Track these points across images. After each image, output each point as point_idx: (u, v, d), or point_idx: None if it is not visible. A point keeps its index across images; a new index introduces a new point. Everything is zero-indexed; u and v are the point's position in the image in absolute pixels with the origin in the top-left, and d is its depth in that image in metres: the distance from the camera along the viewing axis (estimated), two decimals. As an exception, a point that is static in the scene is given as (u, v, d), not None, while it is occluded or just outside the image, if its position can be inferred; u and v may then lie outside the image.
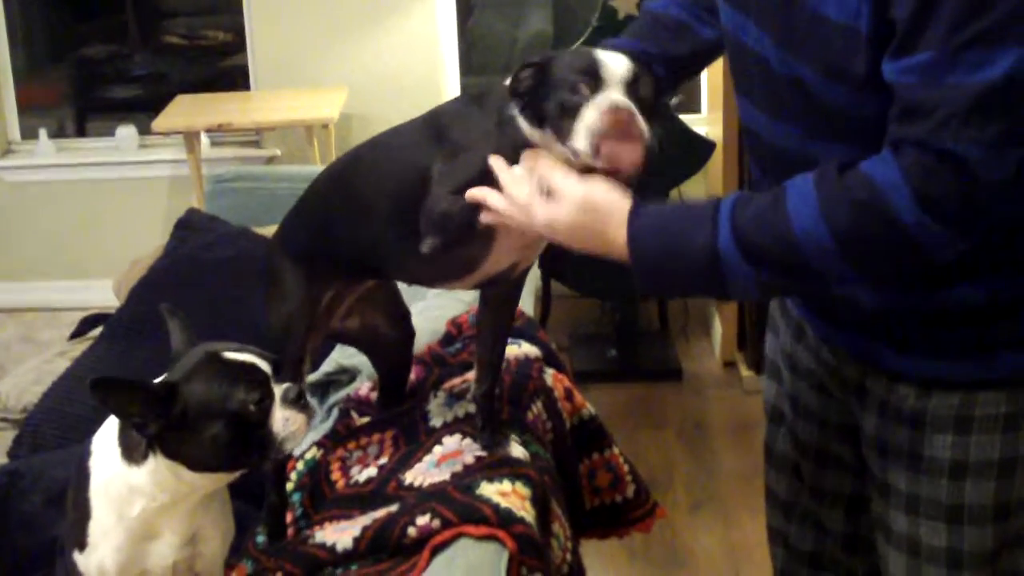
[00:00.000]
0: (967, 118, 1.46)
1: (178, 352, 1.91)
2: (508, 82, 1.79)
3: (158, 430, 1.76)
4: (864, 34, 1.53)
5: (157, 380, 1.81)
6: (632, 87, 1.71)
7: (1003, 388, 1.74)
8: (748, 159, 1.93)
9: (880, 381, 1.82)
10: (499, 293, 2.05)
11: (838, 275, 1.60)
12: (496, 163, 1.76)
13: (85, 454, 1.91)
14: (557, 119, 1.72)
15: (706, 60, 2.08)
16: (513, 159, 1.77)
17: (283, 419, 1.78)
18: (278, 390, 1.79)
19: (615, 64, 1.71)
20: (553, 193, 1.70)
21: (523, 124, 1.78)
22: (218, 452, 1.78)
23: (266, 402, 1.77)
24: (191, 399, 1.76)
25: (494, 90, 1.84)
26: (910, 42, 1.49)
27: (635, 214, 1.66)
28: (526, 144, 1.77)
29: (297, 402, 1.79)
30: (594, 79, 1.70)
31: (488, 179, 1.77)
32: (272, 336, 2.10)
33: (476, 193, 1.76)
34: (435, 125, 1.90)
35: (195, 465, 1.78)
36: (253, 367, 1.79)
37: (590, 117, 1.69)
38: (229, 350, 1.83)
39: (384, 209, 1.94)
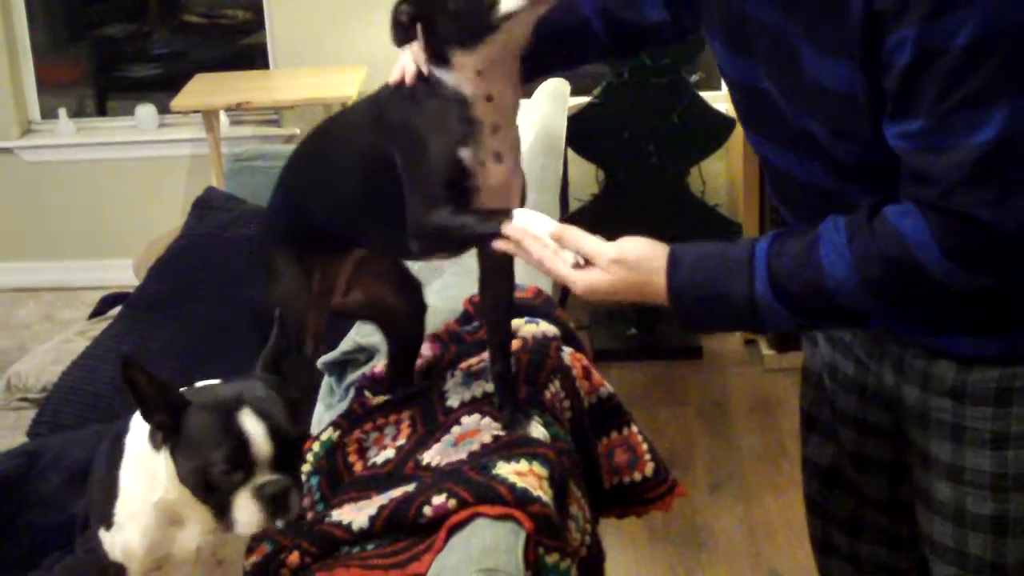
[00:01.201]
0: (970, 182, 1.50)
1: (265, 359, 1.87)
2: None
3: (159, 427, 1.76)
4: (862, 101, 1.57)
5: (188, 388, 1.80)
6: None
7: None
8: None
9: (920, 356, 1.83)
10: (492, 263, 2.05)
11: (871, 316, 1.73)
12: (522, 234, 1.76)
13: (123, 430, 1.90)
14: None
15: (646, 39, 2.11)
16: (450, 113, 1.82)
17: (244, 506, 1.74)
18: (260, 479, 1.75)
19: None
20: (588, 259, 1.73)
21: (445, 75, 1.81)
22: (190, 484, 1.77)
23: (236, 478, 1.74)
24: (187, 426, 1.75)
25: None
26: (903, 110, 1.53)
27: (673, 267, 1.70)
28: (456, 92, 1.81)
29: (270, 501, 1.73)
30: None
31: (456, 169, 1.81)
32: (270, 316, 2.10)
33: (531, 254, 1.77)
34: (375, 105, 1.97)
35: (179, 478, 1.78)
36: (246, 442, 1.73)
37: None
38: (258, 408, 1.75)
39: (343, 190, 1.99)
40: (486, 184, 1.86)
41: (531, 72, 1.95)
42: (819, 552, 2.22)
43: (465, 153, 1.83)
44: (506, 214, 1.79)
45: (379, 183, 1.90)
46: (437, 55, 1.82)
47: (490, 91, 1.83)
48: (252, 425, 1.72)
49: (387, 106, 1.93)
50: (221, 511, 1.74)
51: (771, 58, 1.70)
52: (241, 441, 1.71)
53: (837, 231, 1.62)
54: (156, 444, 1.80)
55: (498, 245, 1.79)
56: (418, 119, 1.86)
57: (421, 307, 2.32)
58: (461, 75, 1.82)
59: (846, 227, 1.61)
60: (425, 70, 1.85)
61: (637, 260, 1.72)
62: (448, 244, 1.90)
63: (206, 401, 1.76)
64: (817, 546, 2.22)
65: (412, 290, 2.30)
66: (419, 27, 1.84)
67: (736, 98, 1.87)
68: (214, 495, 1.74)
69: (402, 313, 2.28)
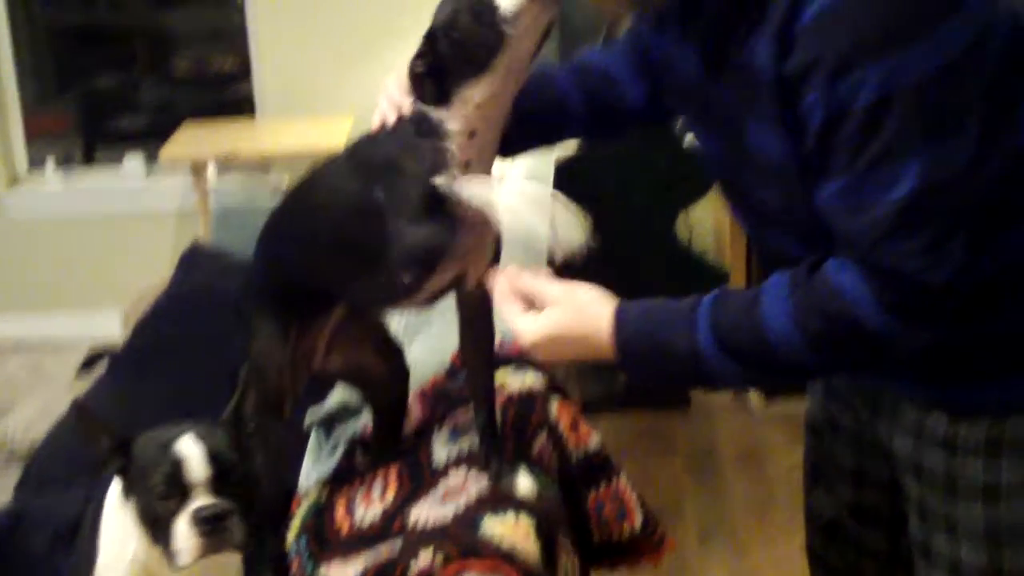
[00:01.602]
0: (893, 237, 1.52)
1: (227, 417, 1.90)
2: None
3: (117, 473, 1.78)
4: (796, 169, 1.61)
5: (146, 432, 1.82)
6: None
7: None
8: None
9: (913, 408, 1.84)
10: (470, 310, 2.06)
11: (814, 371, 1.78)
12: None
13: (108, 484, 1.90)
14: None
15: (625, 121, 2.12)
16: (435, 155, 1.82)
17: (182, 532, 1.73)
18: (195, 503, 1.75)
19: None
20: (536, 300, 1.74)
21: (434, 112, 1.82)
22: (141, 521, 1.76)
23: (173, 503, 1.74)
24: (134, 461, 1.77)
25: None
26: (822, 172, 1.56)
27: (619, 318, 1.71)
28: (440, 126, 1.82)
29: (205, 523, 1.73)
30: None
31: (434, 201, 1.81)
32: (249, 376, 2.10)
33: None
34: (355, 153, 1.98)
35: (137, 521, 1.78)
36: (181, 464, 1.74)
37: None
38: (198, 434, 1.79)
39: (324, 242, 2.00)
40: (463, 217, 1.85)
41: (508, 148, 1.98)
42: None
43: (440, 181, 1.82)
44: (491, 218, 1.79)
45: (363, 228, 1.90)
46: (438, 97, 1.82)
47: (476, 127, 1.83)
48: (189, 448, 1.74)
49: (366, 150, 1.95)
50: (166, 544, 1.74)
51: (724, 133, 1.73)
52: (177, 464, 1.73)
53: (779, 285, 1.63)
54: (125, 495, 1.80)
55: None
56: (396, 152, 1.86)
57: (403, 372, 2.30)
58: (457, 111, 1.82)
59: (788, 282, 1.63)
60: (407, 110, 1.87)
61: (586, 303, 1.72)
62: (432, 262, 1.88)
63: (151, 434, 1.78)
64: None
65: (393, 355, 2.29)
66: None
67: (706, 167, 1.90)
68: (159, 528, 1.74)
69: (383, 378, 2.27)
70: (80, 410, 1.79)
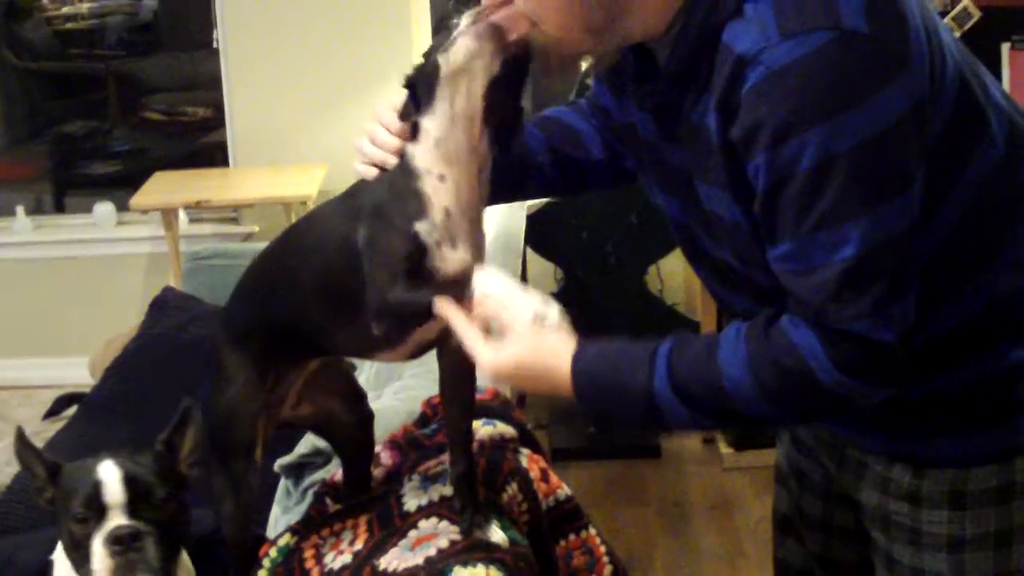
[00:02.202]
0: (839, 299, 1.55)
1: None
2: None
3: (46, 503, 1.81)
4: (746, 229, 1.63)
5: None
6: None
7: (993, 463, 1.77)
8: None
9: (880, 459, 1.85)
10: (452, 363, 2.03)
11: (767, 420, 1.78)
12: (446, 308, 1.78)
13: None
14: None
15: (589, 177, 2.12)
16: (415, 201, 1.83)
17: (97, 554, 1.73)
18: (110, 524, 1.74)
19: None
20: (502, 333, 1.75)
21: (408, 147, 1.84)
22: (66, 548, 1.76)
23: (90, 525, 1.73)
24: (59, 488, 1.79)
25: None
26: (770, 235, 1.58)
27: (578, 355, 1.72)
28: (412, 164, 1.83)
29: (117, 543, 1.73)
30: None
31: (416, 253, 1.82)
32: (216, 423, 2.10)
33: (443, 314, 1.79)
34: (349, 195, 1.96)
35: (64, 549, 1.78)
36: (99, 486, 1.75)
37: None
38: (119, 459, 1.82)
39: (311, 283, 1.98)
40: (443, 268, 1.85)
41: None
42: None
43: (421, 227, 1.82)
44: (465, 287, 1.79)
45: (346, 272, 1.89)
46: (412, 128, 1.84)
47: (442, 171, 1.83)
48: (107, 472, 1.76)
49: (359, 191, 1.94)
50: (85, 569, 1.74)
51: (681, 194, 1.76)
52: (95, 486, 1.75)
53: (737, 336, 1.65)
54: (58, 526, 1.81)
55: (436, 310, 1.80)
56: (383, 194, 1.87)
57: (368, 418, 2.29)
58: (422, 145, 1.83)
59: (745, 333, 1.65)
60: (397, 146, 1.88)
61: (547, 338, 1.72)
62: (408, 321, 1.88)
63: (78, 462, 1.80)
64: None
65: (359, 401, 2.28)
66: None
67: (671, 229, 1.91)
68: (80, 552, 1.74)
69: (350, 424, 2.26)
70: (19, 437, 1.80)
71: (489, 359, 1.73)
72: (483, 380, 1.83)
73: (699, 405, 1.67)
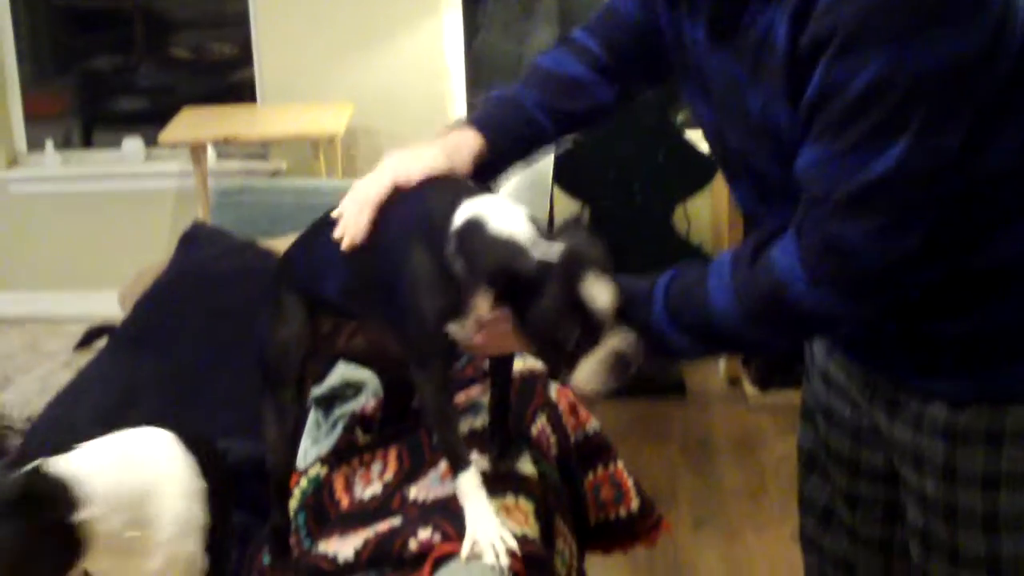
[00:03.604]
0: (850, 209, 1.56)
1: None
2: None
3: None
4: (793, 136, 1.63)
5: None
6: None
7: None
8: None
9: (914, 398, 1.84)
10: None
11: (757, 345, 1.88)
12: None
13: None
14: (550, 350, 1.78)
15: (600, 117, 2.13)
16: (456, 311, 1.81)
17: None
18: None
19: (605, 302, 1.71)
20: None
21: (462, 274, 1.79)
22: None
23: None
24: None
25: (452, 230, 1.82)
26: (808, 137, 1.59)
27: None
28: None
29: None
30: (586, 323, 1.71)
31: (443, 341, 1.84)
32: (270, 357, 2.12)
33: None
34: (414, 229, 1.90)
35: None
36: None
37: (595, 365, 1.73)
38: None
39: (361, 284, 1.98)
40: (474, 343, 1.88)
41: (499, 171, 2.04)
42: None
43: (453, 327, 1.83)
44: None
45: (392, 298, 1.91)
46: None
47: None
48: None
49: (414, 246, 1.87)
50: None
51: (727, 104, 1.76)
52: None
53: (725, 263, 1.71)
54: None
55: None
56: (418, 276, 1.85)
57: None
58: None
59: (731, 259, 1.70)
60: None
61: None
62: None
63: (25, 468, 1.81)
64: None
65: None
66: None
67: (708, 140, 1.92)
68: None
69: (399, 363, 2.25)
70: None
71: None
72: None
73: (695, 333, 1.73)
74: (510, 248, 1.73)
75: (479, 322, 1.80)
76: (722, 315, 1.69)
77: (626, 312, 1.73)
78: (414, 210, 1.88)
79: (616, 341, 1.71)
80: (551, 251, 1.71)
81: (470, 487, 1.85)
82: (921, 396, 1.83)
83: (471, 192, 1.85)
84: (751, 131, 1.72)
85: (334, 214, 1.97)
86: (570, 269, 1.70)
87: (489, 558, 1.78)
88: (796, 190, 1.66)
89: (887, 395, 1.90)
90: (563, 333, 1.71)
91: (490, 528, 1.82)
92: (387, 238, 1.90)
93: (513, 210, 1.81)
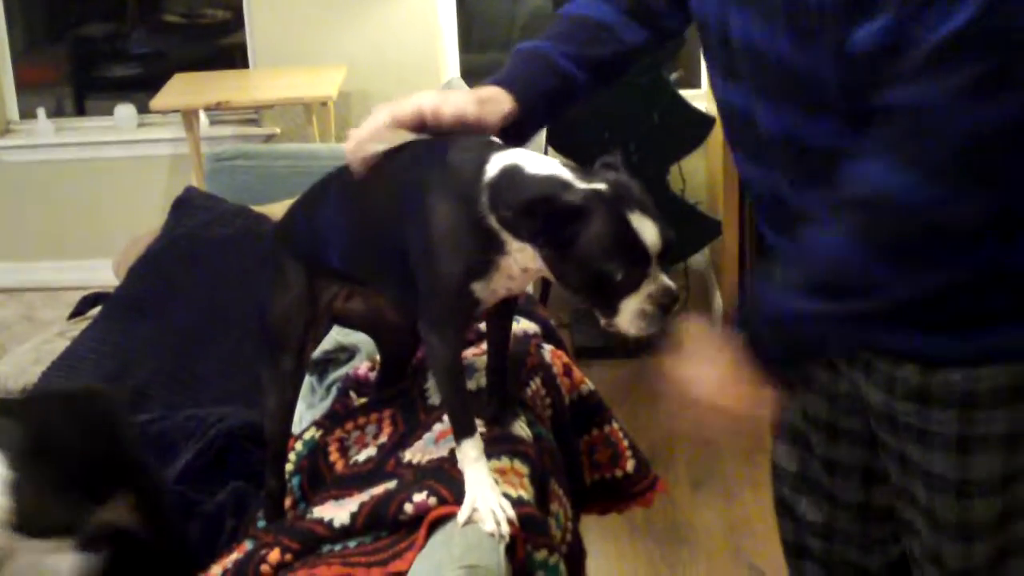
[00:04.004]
0: (927, 72, 1.45)
1: None
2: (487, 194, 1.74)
3: None
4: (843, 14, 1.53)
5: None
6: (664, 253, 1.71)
7: (1005, 362, 1.73)
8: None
9: (886, 359, 1.81)
10: None
11: (889, 282, 1.59)
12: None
13: None
14: (592, 289, 1.73)
15: (630, 62, 2.06)
16: (479, 250, 1.77)
17: None
18: None
19: (652, 237, 1.68)
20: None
21: (508, 238, 1.76)
22: None
23: None
24: None
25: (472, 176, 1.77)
26: (870, 9, 1.49)
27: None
28: (502, 248, 1.77)
29: None
30: (634, 255, 1.68)
31: (466, 301, 1.81)
32: (272, 323, 2.11)
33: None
34: (423, 183, 1.84)
35: None
36: None
37: (639, 304, 1.71)
38: None
39: (364, 251, 1.97)
40: (493, 298, 1.86)
41: (526, 134, 1.96)
42: (790, 555, 2.21)
43: (477, 287, 1.81)
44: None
45: (403, 263, 1.87)
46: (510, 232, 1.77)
47: (529, 264, 1.80)
48: None
49: (437, 195, 1.81)
50: None
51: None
52: None
53: (815, 217, 1.61)
54: None
55: None
56: (443, 233, 1.79)
57: (415, 320, 2.29)
58: (525, 251, 1.76)
59: (828, 208, 1.59)
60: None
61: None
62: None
63: None
64: (788, 549, 2.20)
65: (411, 305, 2.28)
66: None
67: (738, 57, 1.76)
68: None
69: (398, 328, 2.24)
70: None
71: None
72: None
73: (821, 290, 1.60)
74: (553, 182, 1.70)
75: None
76: (836, 255, 1.57)
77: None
78: (433, 166, 1.82)
79: (662, 278, 1.69)
80: (594, 185, 1.69)
81: (472, 455, 1.84)
82: (893, 358, 1.79)
83: (498, 147, 1.80)
84: (790, 22, 1.60)
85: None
86: (618, 199, 1.67)
87: (489, 525, 1.77)
88: (824, 91, 1.59)
89: (863, 358, 1.86)
90: (613, 265, 1.67)
91: (490, 496, 1.81)
92: (400, 198, 1.86)
93: (547, 158, 1.77)
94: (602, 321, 1.77)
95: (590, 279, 1.70)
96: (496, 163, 1.75)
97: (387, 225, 1.88)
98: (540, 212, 1.66)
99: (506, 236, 1.75)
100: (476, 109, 1.87)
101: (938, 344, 1.74)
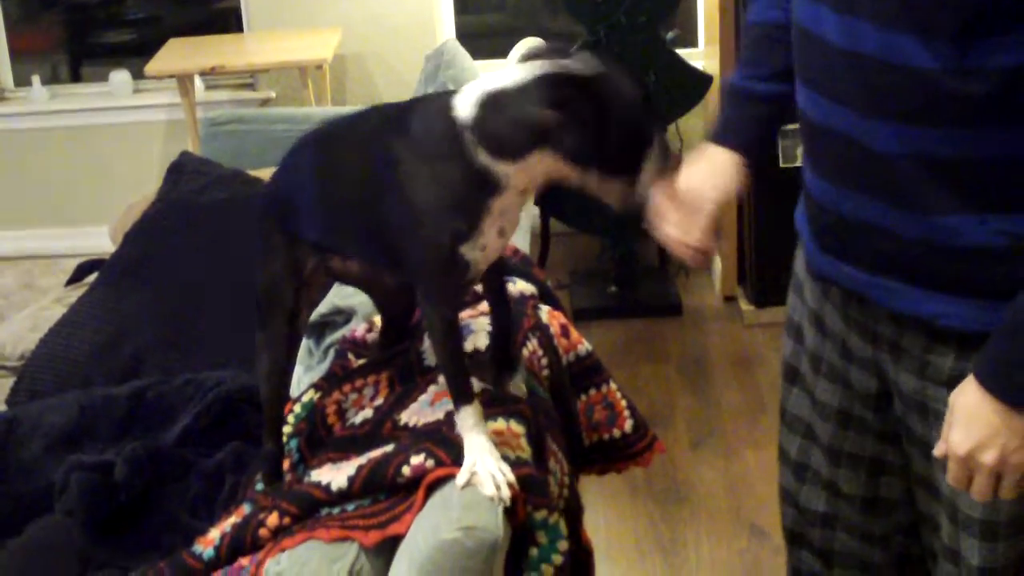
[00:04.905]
0: None
1: None
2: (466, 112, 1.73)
3: None
4: None
5: None
6: None
7: None
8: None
9: (917, 339, 1.76)
10: None
11: None
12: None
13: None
14: (626, 153, 1.72)
15: None
16: (467, 201, 1.76)
17: None
18: None
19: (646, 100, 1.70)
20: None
21: (505, 168, 1.74)
22: None
23: None
24: None
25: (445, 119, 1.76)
26: None
27: (987, 381, 1.62)
28: (498, 181, 1.75)
29: None
30: (647, 104, 1.71)
31: (454, 265, 1.80)
32: (261, 291, 2.12)
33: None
34: (399, 139, 1.83)
35: None
36: None
37: (655, 160, 1.73)
38: None
39: (346, 215, 1.96)
40: (484, 259, 1.85)
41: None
42: (790, 542, 2.18)
43: (466, 248, 1.80)
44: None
45: (388, 224, 1.87)
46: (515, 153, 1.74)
47: (529, 185, 1.80)
48: None
49: (399, 155, 1.82)
50: None
51: None
52: None
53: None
54: None
55: None
56: (424, 201, 1.79)
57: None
58: (531, 168, 1.75)
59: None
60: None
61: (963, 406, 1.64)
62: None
63: None
64: (788, 536, 2.18)
65: (399, 271, 2.27)
66: None
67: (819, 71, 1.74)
68: None
69: (395, 287, 2.23)
70: None
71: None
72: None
73: None
74: (546, 76, 1.69)
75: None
76: None
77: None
78: (396, 141, 1.81)
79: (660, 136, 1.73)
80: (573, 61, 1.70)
81: (471, 422, 1.85)
82: (926, 337, 1.74)
83: (446, 93, 1.80)
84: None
85: None
86: (620, 74, 1.68)
87: (488, 489, 1.78)
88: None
89: (889, 338, 1.81)
90: (645, 115, 1.69)
91: (489, 461, 1.82)
92: (372, 177, 1.85)
93: (500, 73, 1.76)
94: (621, 199, 1.77)
95: (627, 140, 1.71)
96: (464, 104, 1.74)
97: (364, 203, 1.88)
98: (566, 98, 1.66)
99: (501, 167, 1.74)
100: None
101: (975, 314, 1.68)
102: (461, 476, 1.80)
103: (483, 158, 1.73)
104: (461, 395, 1.87)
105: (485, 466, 1.81)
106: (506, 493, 1.78)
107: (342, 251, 2.06)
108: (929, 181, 1.62)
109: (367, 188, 1.87)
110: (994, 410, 1.59)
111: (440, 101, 1.79)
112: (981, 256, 1.63)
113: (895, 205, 1.67)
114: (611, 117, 1.67)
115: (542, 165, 1.74)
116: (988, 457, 1.61)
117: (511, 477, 1.80)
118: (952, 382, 1.70)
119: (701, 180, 1.95)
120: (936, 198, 1.63)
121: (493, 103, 1.72)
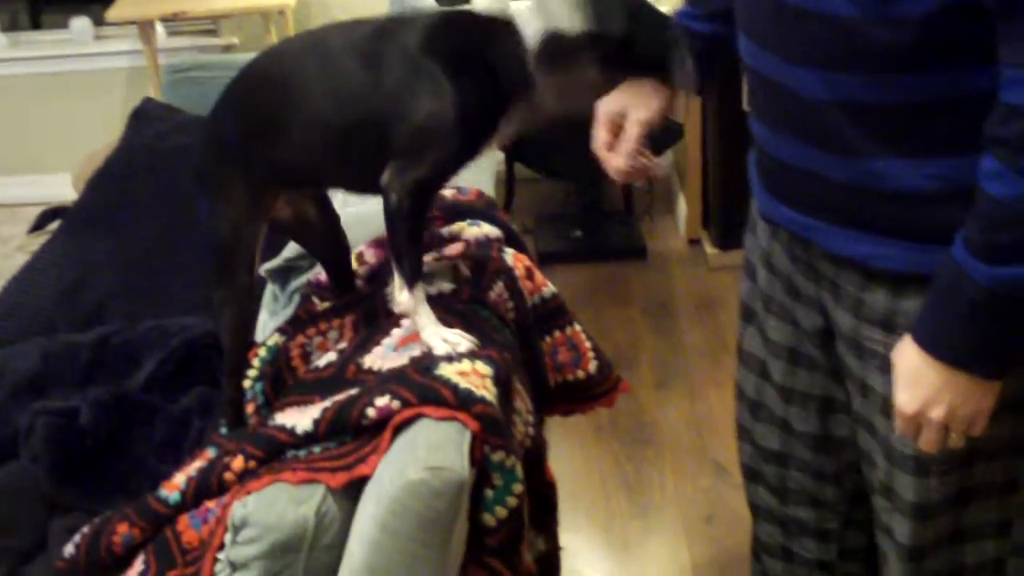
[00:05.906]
0: None
1: None
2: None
3: None
4: None
5: None
6: None
7: None
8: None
9: (853, 279, 1.78)
10: None
11: None
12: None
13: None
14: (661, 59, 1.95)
15: None
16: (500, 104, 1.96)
17: None
18: None
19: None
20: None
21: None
22: None
23: None
24: None
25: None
26: None
27: (926, 343, 1.63)
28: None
29: None
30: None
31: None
32: (218, 242, 2.11)
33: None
34: (382, 41, 2.01)
35: None
36: None
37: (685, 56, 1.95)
38: None
39: (318, 128, 2.00)
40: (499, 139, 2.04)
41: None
42: (746, 478, 2.22)
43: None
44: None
45: (367, 133, 1.93)
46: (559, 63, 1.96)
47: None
48: None
49: (397, 49, 1.99)
50: None
51: None
52: None
53: (985, 161, 1.52)
54: None
55: None
56: (447, 104, 1.91)
57: (335, 219, 2.30)
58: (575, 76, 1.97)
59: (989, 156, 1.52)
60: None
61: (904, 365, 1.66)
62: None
63: None
64: (744, 471, 2.22)
65: (326, 203, 2.28)
66: None
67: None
68: None
69: (322, 228, 2.27)
70: None
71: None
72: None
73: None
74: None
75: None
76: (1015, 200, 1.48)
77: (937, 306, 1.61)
78: (415, 44, 1.98)
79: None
80: None
81: (422, 296, 2.00)
82: (861, 278, 1.76)
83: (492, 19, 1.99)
84: None
85: None
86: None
87: (440, 349, 1.95)
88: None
89: (828, 278, 1.84)
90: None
91: (440, 329, 1.98)
92: (388, 87, 1.95)
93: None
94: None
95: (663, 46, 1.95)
96: (530, 32, 1.94)
97: (357, 99, 1.97)
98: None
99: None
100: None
101: (905, 257, 1.69)
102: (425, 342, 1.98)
103: (539, 76, 1.94)
104: (414, 276, 1.99)
105: (437, 333, 1.97)
106: (465, 347, 1.96)
107: (320, 166, 2.07)
108: (856, 127, 1.64)
109: (378, 98, 1.95)
110: (936, 370, 1.62)
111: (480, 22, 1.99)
112: (910, 199, 1.65)
113: (825, 149, 1.69)
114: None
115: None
116: (935, 413, 1.65)
117: (470, 342, 1.98)
118: (885, 322, 1.75)
119: (627, 101, 2.05)
120: (863, 143, 1.65)
121: (555, 43, 1.94)
